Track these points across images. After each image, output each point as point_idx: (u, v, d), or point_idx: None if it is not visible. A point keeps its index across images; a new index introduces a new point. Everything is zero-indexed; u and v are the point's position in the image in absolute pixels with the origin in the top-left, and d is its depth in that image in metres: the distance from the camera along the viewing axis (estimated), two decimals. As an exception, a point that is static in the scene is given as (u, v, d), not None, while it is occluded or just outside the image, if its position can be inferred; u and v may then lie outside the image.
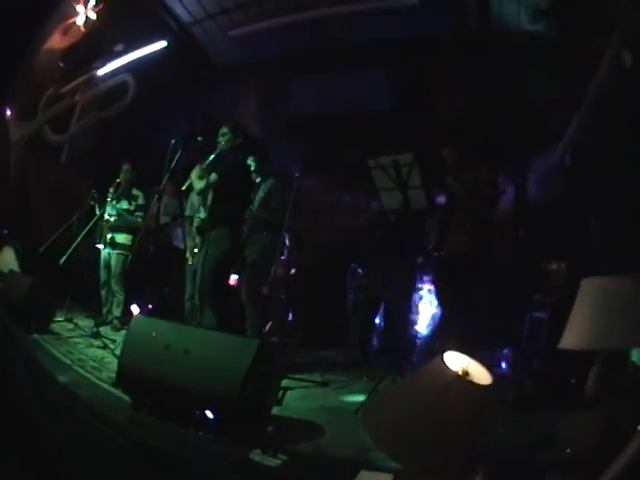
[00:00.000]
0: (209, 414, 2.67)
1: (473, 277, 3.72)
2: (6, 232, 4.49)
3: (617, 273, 2.46)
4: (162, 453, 2.53)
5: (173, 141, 4.21)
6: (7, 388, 1.97)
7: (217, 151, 4.05)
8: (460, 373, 2.09)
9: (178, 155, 3.96)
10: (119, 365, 3.01)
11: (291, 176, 3.92)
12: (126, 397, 3.08)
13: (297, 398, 3.38)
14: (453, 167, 3.92)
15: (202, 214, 4.57)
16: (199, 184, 4.08)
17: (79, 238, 4.44)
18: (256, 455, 2.47)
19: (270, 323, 4.76)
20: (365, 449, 2.56)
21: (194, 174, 4.11)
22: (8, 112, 4.27)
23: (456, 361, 2.18)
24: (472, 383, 2.10)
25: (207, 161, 4.09)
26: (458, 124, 4.65)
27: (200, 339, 2.83)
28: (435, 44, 4.95)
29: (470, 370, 2.17)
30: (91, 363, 3.75)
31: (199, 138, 4.21)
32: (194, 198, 4.85)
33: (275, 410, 3.02)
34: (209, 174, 4.04)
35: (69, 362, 3.72)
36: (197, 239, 4.58)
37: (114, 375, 3.41)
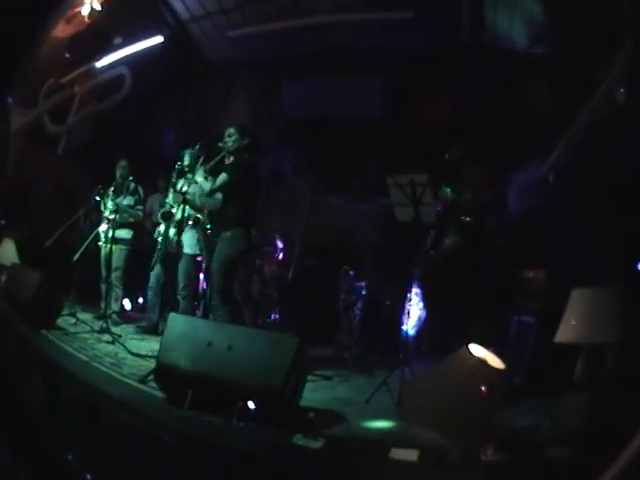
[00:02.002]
0: (251, 405, 3.08)
1: (463, 278, 4.33)
2: (4, 222, 4.54)
3: (601, 285, 3.15)
4: (210, 444, 2.91)
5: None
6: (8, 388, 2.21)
7: (224, 152, 4.37)
8: (482, 359, 2.73)
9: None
10: (158, 361, 3.36)
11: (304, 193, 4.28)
12: (157, 393, 3.40)
13: (309, 390, 3.65)
14: (452, 168, 4.46)
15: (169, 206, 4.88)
16: (206, 185, 4.37)
17: (92, 235, 4.64)
18: (299, 439, 2.90)
19: (261, 320, 5.07)
20: (388, 431, 3.13)
21: (199, 175, 4.39)
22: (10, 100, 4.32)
23: (477, 351, 2.82)
24: (492, 367, 2.75)
25: (212, 162, 4.40)
26: (454, 128, 5.19)
27: (243, 336, 3.25)
28: (428, 54, 5.42)
29: (487, 358, 2.83)
30: (108, 360, 4.00)
31: (197, 146, 4.47)
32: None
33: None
34: (217, 175, 4.36)
35: (86, 359, 3.96)
36: (162, 225, 4.93)
37: (136, 372, 3.80)
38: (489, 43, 4.93)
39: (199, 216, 4.70)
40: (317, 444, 2.91)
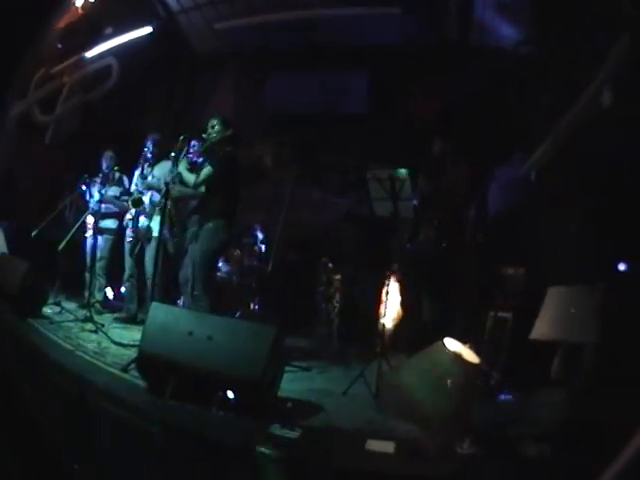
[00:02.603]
0: (230, 395, 3.16)
1: (441, 273, 4.41)
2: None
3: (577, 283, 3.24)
4: (190, 433, 2.99)
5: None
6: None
7: (207, 143, 4.44)
8: (457, 353, 2.83)
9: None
10: (139, 350, 3.42)
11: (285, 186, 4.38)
12: (139, 382, 3.45)
13: (287, 381, 3.73)
14: (432, 163, 4.55)
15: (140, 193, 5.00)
16: (189, 177, 4.44)
17: (77, 224, 4.70)
18: (276, 429, 2.97)
19: (239, 311, 5.21)
20: (363, 422, 3.21)
21: (182, 167, 4.45)
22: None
23: (453, 345, 2.91)
24: (468, 361, 2.84)
25: (197, 153, 4.48)
26: (440, 122, 5.27)
27: (222, 326, 3.31)
28: (414, 51, 5.54)
29: (462, 352, 2.92)
30: (91, 348, 4.06)
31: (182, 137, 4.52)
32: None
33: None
34: (200, 167, 4.43)
35: (71, 348, 4.01)
36: (132, 211, 5.05)
37: (119, 360, 3.86)
38: (476, 41, 5.01)
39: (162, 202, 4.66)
40: (294, 434, 2.98)
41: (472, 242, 4.83)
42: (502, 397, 3.70)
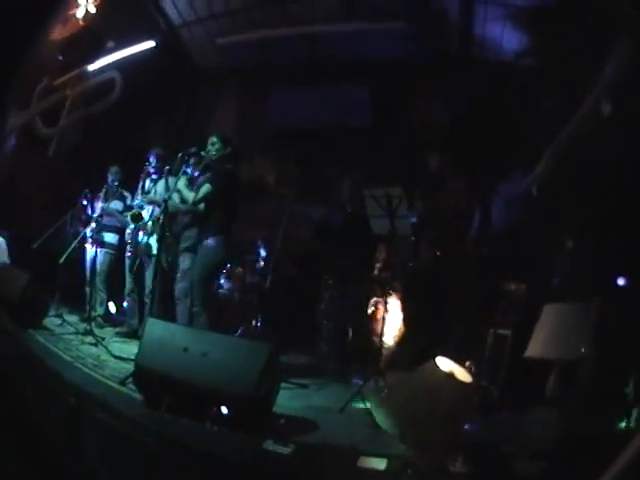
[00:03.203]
0: (224, 410, 3.24)
1: (438, 291, 4.47)
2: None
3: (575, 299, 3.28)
4: (183, 446, 3.07)
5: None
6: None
7: (207, 161, 4.55)
8: (449, 373, 2.87)
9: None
10: (136, 364, 3.52)
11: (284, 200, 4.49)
12: (136, 395, 3.55)
13: (285, 398, 3.82)
14: (432, 179, 4.62)
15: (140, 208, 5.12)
16: (189, 194, 4.55)
17: (78, 238, 4.84)
18: (269, 445, 3.03)
19: (241, 328, 5.26)
20: (359, 440, 3.25)
21: (181, 184, 4.56)
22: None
23: (445, 364, 2.96)
24: (459, 381, 2.89)
25: (196, 171, 4.60)
26: (437, 138, 5.35)
27: (217, 343, 3.40)
28: (417, 65, 5.64)
29: (455, 371, 2.97)
30: (90, 361, 4.17)
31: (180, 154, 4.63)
32: None
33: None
34: (200, 185, 4.54)
35: (70, 359, 4.13)
36: (131, 226, 5.18)
37: (117, 374, 3.95)
38: (477, 53, 5.08)
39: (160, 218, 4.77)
40: (287, 450, 3.04)
41: (474, 258, 4.89)
42: (500, 415, 3.76)
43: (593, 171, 3.87)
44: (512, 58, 4.84)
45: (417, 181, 4.73)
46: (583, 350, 3.14)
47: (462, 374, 3.04)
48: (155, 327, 3.59)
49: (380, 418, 3.22)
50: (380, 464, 2.90)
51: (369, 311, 5.04)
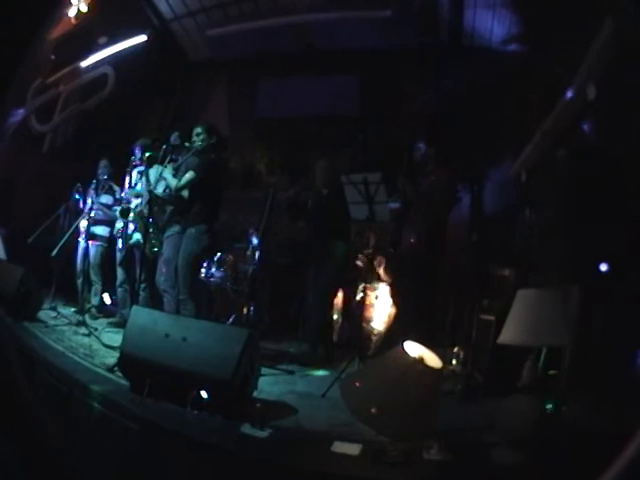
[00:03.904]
0: (204, 394, 3.42)
1: (426, 276, 4.59)
2: (-11, 219, 5.03)
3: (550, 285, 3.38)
4: (165, 430, 3.26)
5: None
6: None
7: (192, 150, 4.75)
8: (417, 358, 3.00)
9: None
10: (121, 351, 3.74)
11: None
12: (123, 382, 3.77)
13: (269, 384, 4.10)
14: (417, 168, 4.74)
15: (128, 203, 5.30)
16: (173, 181, 4.77)
17: (70, 231, 5.10)
18: (246, 428, 3.22)
19: (233, 316, 5.38)
20: (335, 425, 3.40)
21: (167, 172, 4.78)
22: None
23: (413, 349, 3.09)
24: (426, 366, 3.02)
25: (181, 160, 4.80)
26: (424, 128, 5.47)
27: (196, 328, 3.59)
28: (406, 54, 5.76)
29: (425, 356, 3.09)
30: (82, 350, 4.42)
31: (174, 139, 4.84)
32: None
33: (254, 394, 3.73)
34: (184, 172, 4.75)
35: (63, 349, 4.38)
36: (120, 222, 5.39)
37: (106, 361, 4.19)
38: (465, 42, 5.18)
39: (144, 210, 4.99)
40: (264, 434, 3.21)
41: (463, 243, 5.00)
42: (483, 402, 3.87)
43: (578, 156, 3.96)
44: (500, 44, 4.94)
45: (404, 168, 4.84)
46: (560, 337, 3.23)
47: (432, 359, 3.16)
48: (139, 315, 3.81)
49: (348, 404, 3.33)
50: (354, 449, 3.01)
51: (357, 297, 5.15)
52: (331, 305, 5.23)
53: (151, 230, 4.68)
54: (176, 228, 4.84)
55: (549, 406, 3.25)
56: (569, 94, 4.04)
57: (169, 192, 4.80)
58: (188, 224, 4.69)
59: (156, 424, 3.26)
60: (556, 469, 2.67)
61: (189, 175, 4.66)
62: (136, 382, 3.66)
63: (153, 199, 4.49)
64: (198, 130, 4.72)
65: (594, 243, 3.70)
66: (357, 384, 3.29)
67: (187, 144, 4.67)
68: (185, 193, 4.74)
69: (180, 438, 3.15)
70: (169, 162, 4.66)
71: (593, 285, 3.54)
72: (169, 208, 4.87)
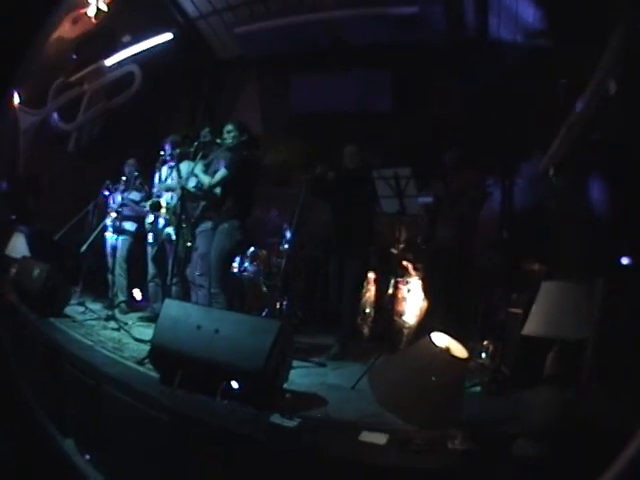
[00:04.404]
0: (235, 385, 3.59)
1: (457, 271, 4.75)
2: (14, 218, 5.26)
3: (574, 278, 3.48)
4: (194, 420, 3.41)
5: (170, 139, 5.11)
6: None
7: (224, 147, 4.93)
8: (443, 348, 3.14)
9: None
10: (152, 343, 3.93)
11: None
12: (153, 373, 3.97)
13: (301, 376, 4.26)
14: (448, 168, 4.90)
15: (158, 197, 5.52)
16: (205, 179, 4.97)
17: (100, 227, 5.33)
18: (276, 418, 3.38)
19: (266, 309, 5.61)
20: (364, 415, 3.56)
21: (198, 169, 4.98)
22: (17, 99, 4.97)
23: (440, 339, 3.23)
24: (452, 356, 3.16)
25: (212, 156, 4.99)
26: (454, 128, 5.63)
27: (229, 320, 3.76)
28: (434, 49, 5.89)
29: (451, 347, 3.23)
30: (111, 344, 4.61)
31: (204, 135, 5.03)
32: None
33: (284, 385, 3.90)
34: (216, 169, 4.94)
35: (91, 343, 4.57)
36: (151, 217, 5.60)
37: (136, 355, 4.38)
38: (492, 38, 5.29)
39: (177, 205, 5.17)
40: (293, 424, 3.35)
41: (494, 239, 5.14)
42: (507, 394, 4.00)
43: (603, 151, 4.08)
44: (525, 39, 5.05)
45: (436, 164, 5.00)
46: (582, 330, 3.34)
47: (458, 350, 3.29)
48: (171, 307, 3.98)
49: (376, 395, 3.45)
50: (381, 439, 3.16)
51: (389, 291, 5.35)
52: (359, 299, 5.37)
53: (184, 225, 4.89)
54: (209, 224, 5.05)
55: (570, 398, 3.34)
56: (592, 88, 4.15)
57: (200, 187, 4.99)
58: (221, 220, 4.88)
59: (186, 415, 3.43)
60: (563, 465, 2.81)
61: (221, 173, 4.84)
62: (166, 374, 3.82)
63: (185, 195, 4.69)
64: (229, 127, 4.88)
65: (619, 237, 3.81)
66: (385, 374, 3.44)
67: (218, 141, 4.85)
68: (217, 190, 4.92)
69: (210, 428, 3.31)
70: (200, 158, 4.85)
71: (616, 279, 3.65)
72: (201, 204, 5.07)
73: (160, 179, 5.68)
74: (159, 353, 3.89)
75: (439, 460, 3.02)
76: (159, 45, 6.05)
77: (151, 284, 5.73)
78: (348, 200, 4.94)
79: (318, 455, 3.09)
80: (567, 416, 3.04)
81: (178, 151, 5.09)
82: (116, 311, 5.49)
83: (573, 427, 2.98)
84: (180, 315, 3.87)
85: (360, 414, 3.60)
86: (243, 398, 3.54)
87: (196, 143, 4.78)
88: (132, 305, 6.10)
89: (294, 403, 3.63)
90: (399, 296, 5.25)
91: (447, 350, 3.18)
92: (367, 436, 3.21)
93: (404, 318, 5.25)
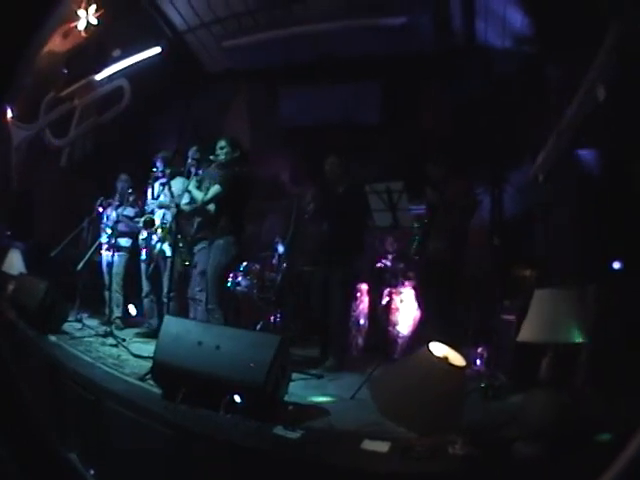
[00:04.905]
0: (237, 399, 3.74)
1: (450, 281, 4.93)
2: (9, 234, 5.37)
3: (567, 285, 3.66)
4: (198, 434, 3.55)
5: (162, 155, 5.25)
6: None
7: (217, 163, 5.09)
8: (441, 357, 3.31)
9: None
10: (154, 360, 4.06)
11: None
12: (155, 389, 4.10)
13: (300, 388, 4.41)
14: (434, 180, 5.09)
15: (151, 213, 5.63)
16: (199, 195, 5.12)
17: (95, 245, 5.46)
18: (279, 430, 3.51)
19: (261, 323, 5.77)
20: (365, 424, 3.69)
21: (192, 185, 5.12)
22: (9, 114, 5.07)
23: (438, 349, 3.40)
24: (450, 365, 3.32)
25: (204, 173, 5.15)
26: (442, 138, 5.82)
27: (229, 336, 3.91)
28: (422, 59, 6.08)
29: (449, 356, 3.39)
30: (111, 361, 4.74)
31: (193, 153, 5.17)
32: None
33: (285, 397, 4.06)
34: (209, 186, 5.09)
35: (91, 360, 4.69)
36: (144, 233, 5.71)
37: (137, 371, 4.52)
38: (480, 49, 5.48)
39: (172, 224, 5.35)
40: (296, 435, 3.48)
41: (486, 246, 5.33)
42: (504, 399, 4.18)
43: (591, 158, 4.27)
44: (513, 47, 5.25)
45: (426, 175, 5.17)
46: (576, 334, 3.52)
47: (456, 358, 3.45)
48: (171, 324, 4.12)
49: (377, 404, 3.58)
50: (383, 447, 3.28)
51: (383, 302, 5.53)
52: (349, 311, 5.54)
53: (181, 245, 5.03)
54: (205, 242, 5.18)
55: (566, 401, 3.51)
56: (580, 95, 4.34)
57: (193, 204, 5.14)
58: (215, 236, 5.03)
59: (190, 429, 3.54)
60: (562, 467, 2.91)
61: (215, 189, 5.00)
62: (169, 390, 3.95)
63: (180, 213, 4.83)
64: (222, 143, 5.05)
65: (610, 242, 3.99)
66: (385, 384, 3.61)
67: (211, 157, 5.00)
68: (211, 207, 5.08)
69: (214, 442, 3.43)
70: (194, 175, 4.99)
71: (609, 283, 3.84)
72: (196, 220, 5.22)
73: (153, 195, 5.82)
74: (161, 370, 4.02)
75: (440, 465, 3.15)
76: (148, 59, 6.18)
77: (146, 300, 5.89)
78: (340, 220, 5.12)
79: (322, 465, 3.22)
80: (564, 418, 3.18)
81: (169, 171, 5.22)
82: (113, 327, 5.63)
83: (571, 429, 3.11)
84: (180, 331, 4.02)
85: (361, 423, 3.73)
86: (246, 412, 3.66)
87: (189, 161, 4.91)
88: (127, 321, 6.24)
89: (296, 415, 3.81)
90: (392, 307, 5.42)
91: (445, 359, 3.34)
92: (369, 444, 3.33)
93: (398, 328, 5.42)
